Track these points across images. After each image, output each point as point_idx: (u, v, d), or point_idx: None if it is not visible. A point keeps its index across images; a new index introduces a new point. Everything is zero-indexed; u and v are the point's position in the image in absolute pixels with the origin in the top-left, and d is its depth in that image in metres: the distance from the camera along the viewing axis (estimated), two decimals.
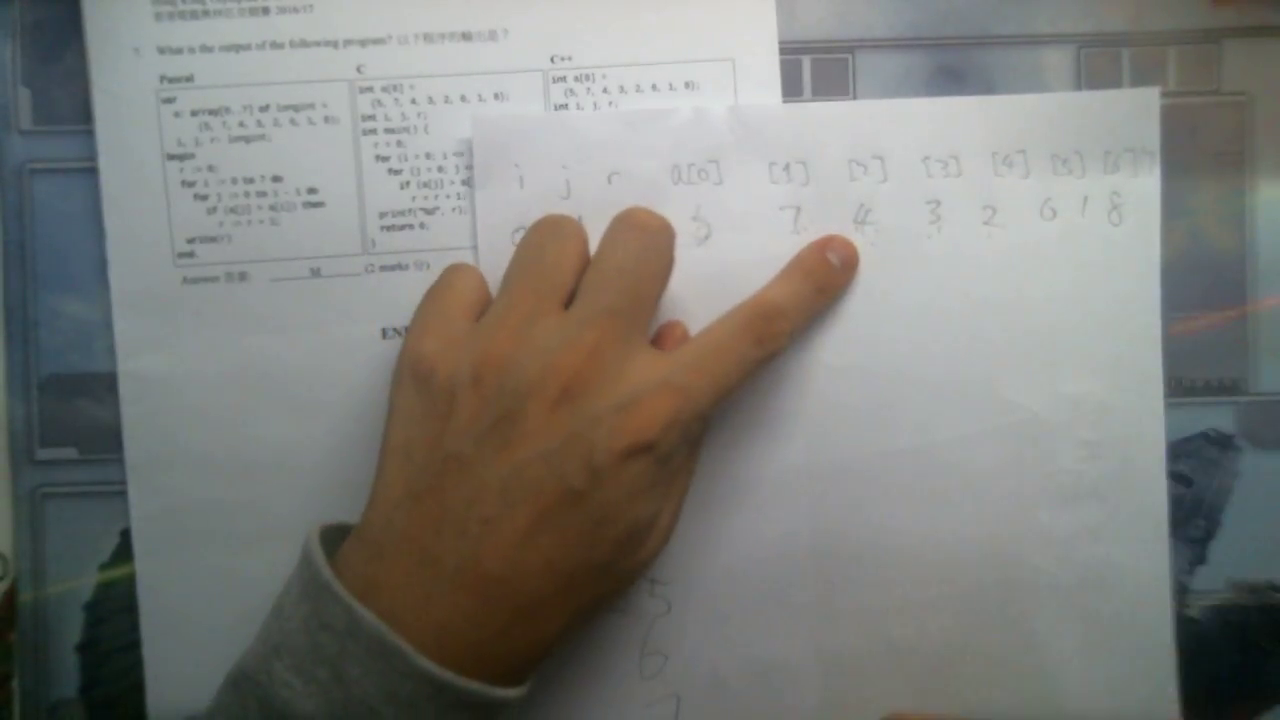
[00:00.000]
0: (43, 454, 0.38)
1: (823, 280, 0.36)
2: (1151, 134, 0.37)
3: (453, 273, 0.35)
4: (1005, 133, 0.37)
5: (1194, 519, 0.38)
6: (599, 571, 0.31)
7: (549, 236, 0.34)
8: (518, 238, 0.37)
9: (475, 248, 0.37)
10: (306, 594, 0.30)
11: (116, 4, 0.37)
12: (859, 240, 0.37)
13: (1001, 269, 0.37)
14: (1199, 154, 0.38)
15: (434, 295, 0.34)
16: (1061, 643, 0.38)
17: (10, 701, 0.37)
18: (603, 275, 0.33)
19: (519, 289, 0.33)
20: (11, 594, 0.38)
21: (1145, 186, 0.37)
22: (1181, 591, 0.38)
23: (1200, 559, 0.38)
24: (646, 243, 0.33)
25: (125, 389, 0.37)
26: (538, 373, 0.31)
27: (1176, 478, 0.38)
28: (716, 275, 0.37)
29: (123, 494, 0.37)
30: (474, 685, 0.29)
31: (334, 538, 0.32)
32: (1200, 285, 0.38)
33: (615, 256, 0.33)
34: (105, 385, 0.38)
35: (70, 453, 0.38)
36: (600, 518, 0.30)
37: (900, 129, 0.37)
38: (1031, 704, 0.38)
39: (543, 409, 0.30)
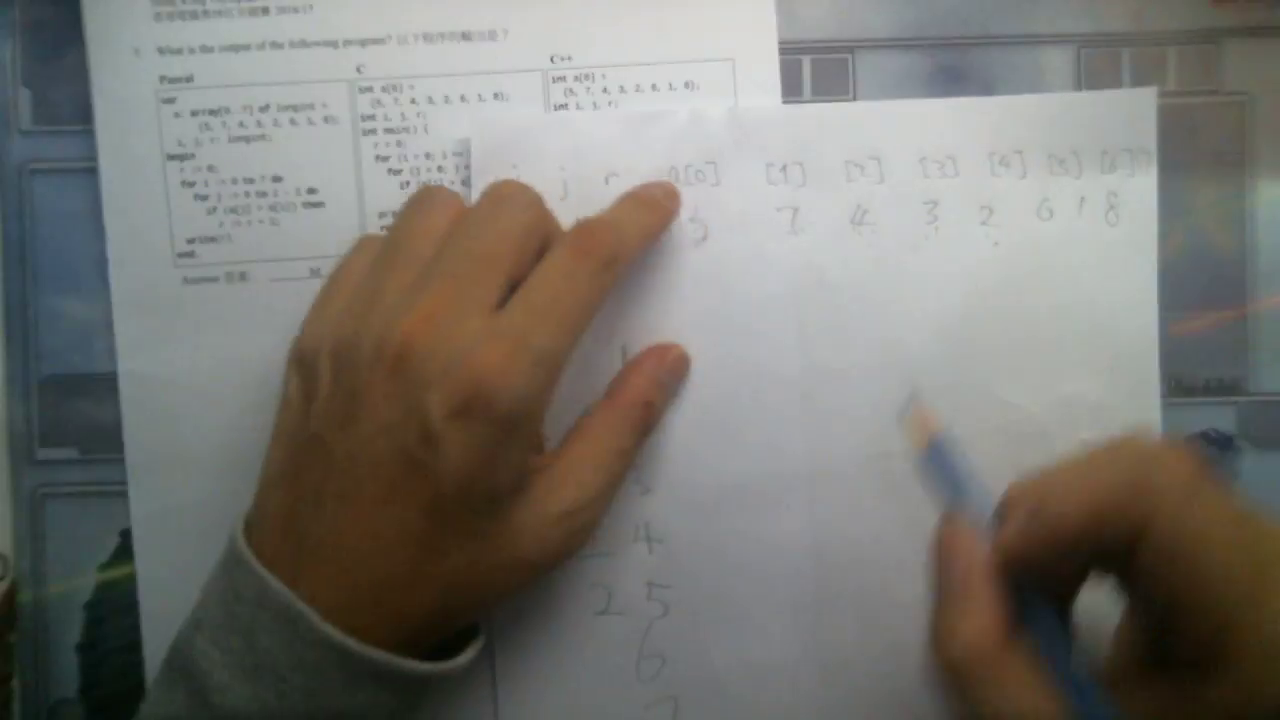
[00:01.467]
0: (43, 454, 0.38)
1: (644, 199, 0.36)
2: (1148, 134, 0.37)
3: (351, 252, 0.35)
4: (1002, 133, 0.37)
5: None
6: (463, 539, 0.30)
7: (414, 209, 0.34)
8: None
9: None
10: (225, 567, 0.31)
11: (116, 4, 0.37)
12: (856, 241, 0.37)
13: (999, 269, 0.37)
14: (1199, 154, 0.38)
15: (327, 278, 0.35)
16: None
17: (10, 701, 0.37)
18: (448, 242, 0.32)
19: (377, 264, 0.33)
20: (11, 594, 0.38)
21: (1142, 186, 0.37)
22: None
23: None
24: (498, 209, 0.32)
25: (125, 389, 0.37)
26: (374, 345, 0.30)
27: None
28: (714, 276, 0.37)
29: (123, 494, 0.37)
30: (378, 654, 0.29)
31: None
32: (1200, 285, 0.38)
33: (464, 224, 0.32)
34: (105, 385, 0.38)
35: (70, 453, 0.38)
36: (448, 484, 0.29)
37: (897, 130, 0.37)
38: None
39: (380, 381, 0.30)
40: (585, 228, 0.33)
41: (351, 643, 0.29)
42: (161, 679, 0.31)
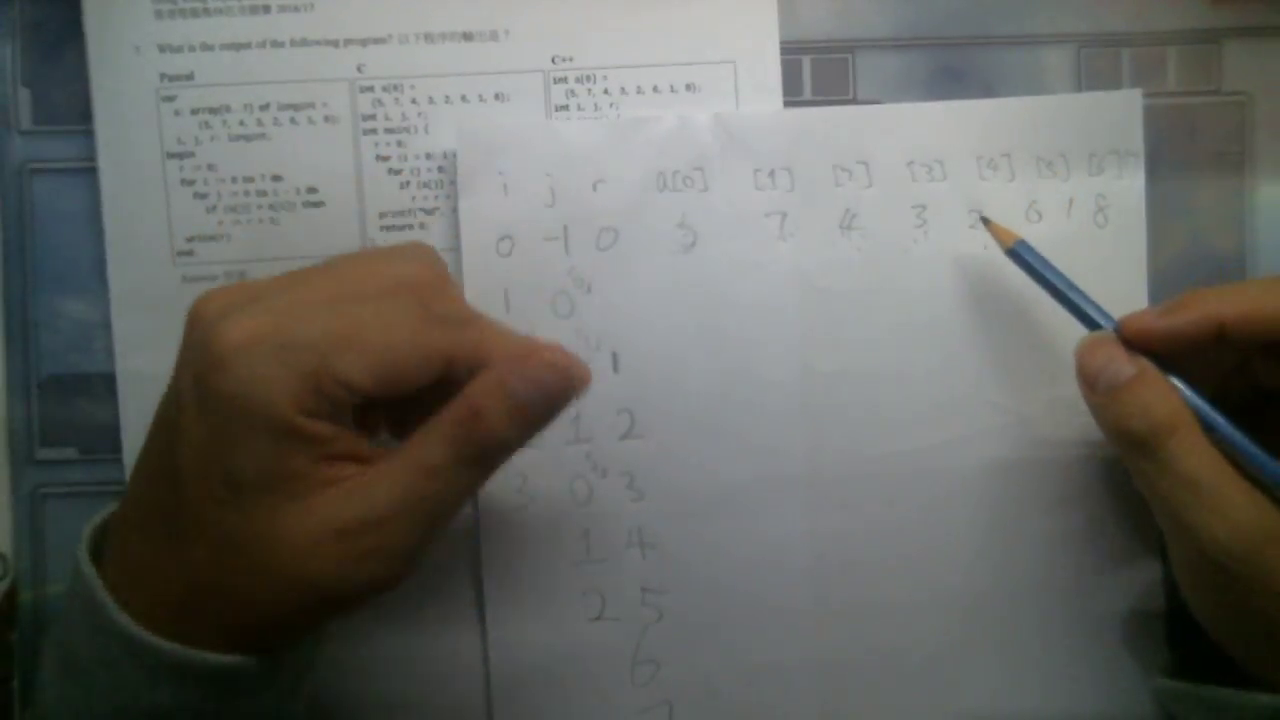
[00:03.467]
0: (43, 454, 0.38)
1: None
2: (1135, 136, 0.37)
3: None
4: (990, 136, 0.37)
5: None
6: (205, 528, 0.28)
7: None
8: (502, 246, 0.37)
9: (460, 255, 0.37)
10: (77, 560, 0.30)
11: (117, 2, 0.37)
12: (845, 246, 0.37)
13: (989, 272, 0.37)
14: (1199, 154, 0.38)
15: None
16: (1055, 645, 0.38)
17: (10, 701, 0.37)
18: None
19: None
20: (11, 594, 0.37)
21: (1130, 188, 0.37)
22: (1178, 591, 0.38)
23: None
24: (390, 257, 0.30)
25: (124, 388, 0.37)
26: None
27: None
28: (703, 282, 0.37)
29: (122, 494, 0.37)
30: (164, 644, 0.27)
31: None
32: (1200, 285, 0.38)
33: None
34: (105, 385, 0.37)
35: (70, 453, 0.38)
36: (186, 458, 0.28)
37: (885, 134, 0.37)
38: (1025, 706, 0.38)
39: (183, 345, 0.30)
40: (445, 283, 0.30)
41: (138, 632, 0.27)
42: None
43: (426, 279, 0.29)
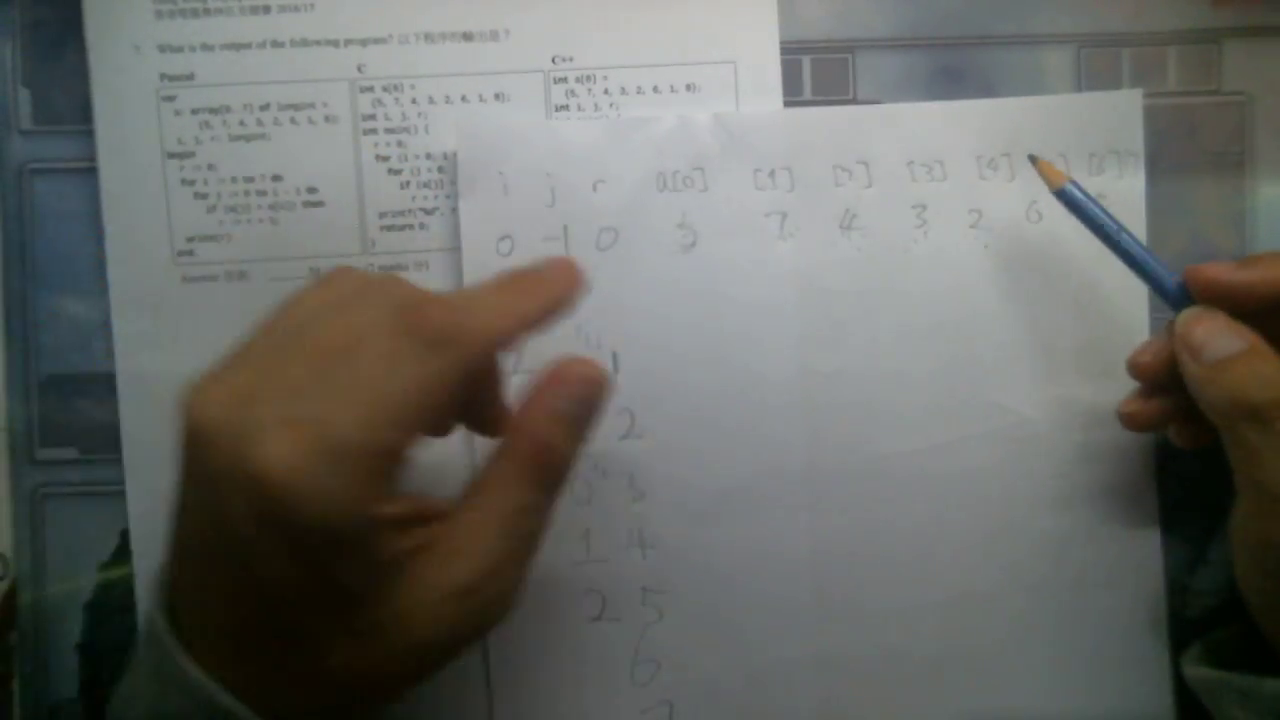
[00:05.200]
0: (43, 454, 0.38)
1: (520, 282, 0.30)
2: (1135, 136, 0.37)
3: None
4: (990, 136, 0.37)
5: (1194, 519, 0.38)
6: (335, 638, 0.27)
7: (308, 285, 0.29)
8: (502, 246, 0.37)
9: (460, 255, 0.37)
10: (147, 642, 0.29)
11: (117, 2, 0.37)
12: (846, 246, 0.37)
13: (989, 272, 0.37)
14: (1199, 154, 0.38)
15: None
16: (1055, 644, 0.38)
17: (10, 701, 0.37)
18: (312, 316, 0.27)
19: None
20: (11, 594, 0.38)
21: (1130, 188, 0.37)
22: (1181, 591, 0.38)
23: (1200, 559, 0.38)
24: (355, 299, 0.28)
25: (124, 388, 0.37)
26: (179, 418, 0.26)
27: (1177, 477, 0.38)
28: (704, 282, 0.37)
29: (123, 494, 0.37)
30: (232, 701, 0.26)
31: None
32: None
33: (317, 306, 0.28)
34: (105, 385, 0.37)
35: (70, 453, 0.38)
36: (286, 595, 0.26)
37: (885, 134, 0.37)
38: (1025, 705, 0.38)
39: (186, 462, 0.26)
40: (413, 302, 0.27)
41: (214, 688, 0.26)
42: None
43: (398, 312, 0.27)
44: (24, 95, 0.38)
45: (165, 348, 0.37)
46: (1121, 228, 0.34)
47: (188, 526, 0.27)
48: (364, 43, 0.37)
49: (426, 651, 0.28)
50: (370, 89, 0.37)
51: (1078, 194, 0.35)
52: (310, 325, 0.27)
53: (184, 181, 0.37)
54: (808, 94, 0.38)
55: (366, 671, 0.27)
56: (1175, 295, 0.33)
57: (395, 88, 0.37)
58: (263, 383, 0.25)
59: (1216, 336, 0.32)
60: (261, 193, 0.37)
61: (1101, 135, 0.37)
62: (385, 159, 0.38)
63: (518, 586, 0.29)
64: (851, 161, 0.37)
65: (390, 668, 0.28)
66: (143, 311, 0.37)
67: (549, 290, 0.29)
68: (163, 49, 0.37)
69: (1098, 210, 0.34)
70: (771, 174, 0.37)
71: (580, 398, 0.30)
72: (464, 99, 0.38)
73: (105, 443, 0.38)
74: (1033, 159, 0.36)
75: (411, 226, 0.38)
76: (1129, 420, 0.35)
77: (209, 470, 0.25)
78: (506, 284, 0.29)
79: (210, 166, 0.37)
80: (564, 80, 0.38)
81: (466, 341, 0.27)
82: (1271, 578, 0.32)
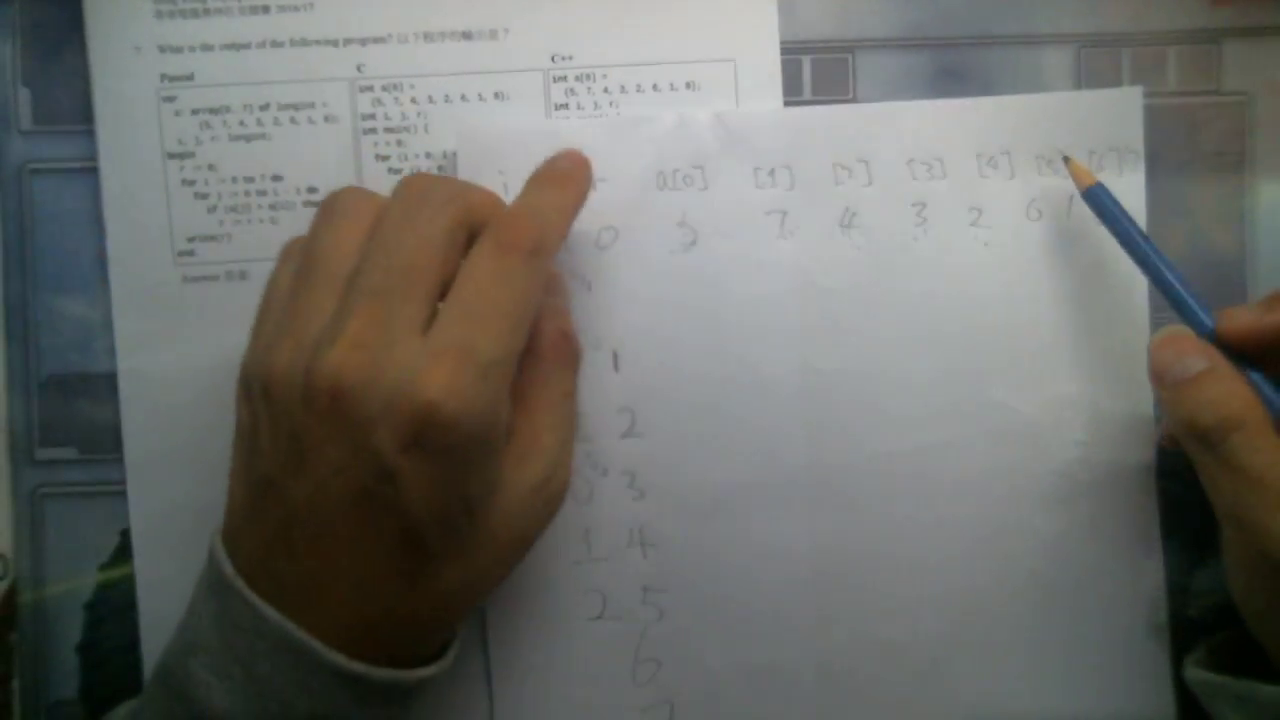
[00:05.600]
0: (43, 454, 0.38)
1: (553, 177, 0.33)
2: (1135, 133, 0.37)
3: (277, 262, 0.33)
4: (990, 134, 0.37)
5: (1194, 519, 0.38)
6: (446, 557, 0.30)
7: (323, 217, 0.31)
8: None
9: None
10: (214, 591, 0.30)
11: (117, 3, 0.37)
12: (846, 244, 0.37)
13: (989, 270, 0.37)
14: (1199, 154, 0.38)
15: (263, 292, 0.32)
16: (1056, 644, 0.38)
17: (10, 701, 0.37)
18: (366, 256, 0.30)
19: (296, 284, 0.30)
20: (11, 594, 0.37)
21: (1130, 186, 0.37)
22: (1181, 592, 0.38)
23: (1199, 560, 0.38)
24: (415, 211, 0.30)
25: (125, 388, 0.37)
26: (302, 380, 0.28)
27: (1177, 477, 0.38)
28: (704, 281, 0.37)
29: (123, 494, 0.37)
30: (388, 673, 0.29)
31: None
32: (1200, 285, 0.38)
33: (381, 234, 0.30)
34: (105, 385, 0.38)
35: (70, 453, 0.38)
36: (420, 513, 0.28)
37: (884, 132, 0.37)
38: (1026, 705, 0.38)
39: (317, 423, 0.28)
40: (504, 220, 0.30)
41: (361, 668, 0.29)
42: (154, 696, 0.31)
43: (487, 216, 0.31)
44: (24, 95, 0.38)
45: (166, 348, 0.37)
46: (1147, 239, 0.34)
47: (303, 489, 0.29)
48: (364, 42, 0.37)
49: (515, 549, 0.32)
50: (370, 89, 0.37)
51: (1106, 199, 0.35)
52: (399, 252, 0.29)
53: (184, 182, 0.37)
54: (808, 94, 0.38)
55: (472, 581, 0.31)
56: (1197, 323, 0.33)
57: (395, 87, 0.37)
58: (384, 329, 0.28)
59: (1178, 359, 0.32)
60: (262, 193, 0.37)
61: (1102, 133, 0.37)
62: (385, 158, 0.38)
63: (570, 473, 0.33)
64: (851, 160, 0.37)
65: (490, 570, 0.31)
66: (143, 311, 0.37)
67: (578, 185, 0.34)
68: (163, 49, 0.37)
69: (1125, 217, 0.35)
70: (771, 172, 0.37)
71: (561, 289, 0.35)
72: (463, 98, 0.38)
73: (105, 443, 0.38)
74: (1066, 159, 0.36)
75: None
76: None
77: (357, 418, 0.27)
78: (545, 184, 0.33)
79: (210, 166, 0.37)
80: (564, 79, 0.38)
81: (549, 249, 0.31)
82: (1256, 588, 0.32)
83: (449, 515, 0.29)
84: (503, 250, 0.29)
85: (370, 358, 0.28)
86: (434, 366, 0.27)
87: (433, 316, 0.29)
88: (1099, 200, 0.35)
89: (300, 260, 0.31)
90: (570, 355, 0.34)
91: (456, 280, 0.29)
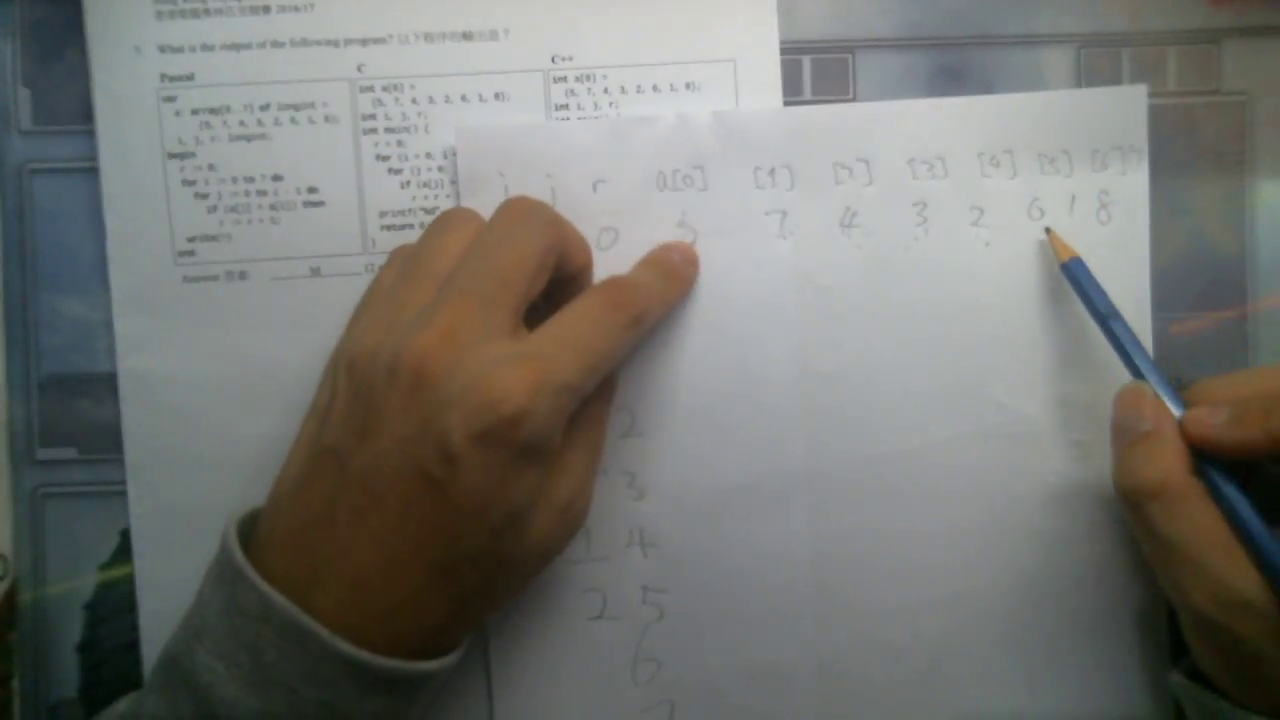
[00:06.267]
0: (43, 454, 0.38)
1: (667, 268, 0.36)
2: (1139, 132, 0.37)
3: (385, 264, 0.36)
4: (991, 133, 0.37)
5: None
6: (476, 559, 0.30)
7: (434, 228, 0.34)
8: None
9: None
10: (222, 578, 0.31)
11: (117, 3, 0.37)
12: (846, 244, 0.37)
13: (990, 270, 0.37)
14: (1199, 154, 0.38)
15: (366, 289, 0.35)
16: (1056, 644, 0.38)
17: (10, 701, 0.37)
18: (466, 261, 0.32)
19: (399, 280, 0.33)
20: (11, 594, 0.38)
21: (1133, 185, 0.37)
22: None
23: None
24: (515, 228, 0.32)
25: (125, 388, 0.37)
26: (390, 359, 0.30)
27: None
28: (704, 280, 0.37)
29: (123, 494, 0.37)
30: (393, 664, 0.30)
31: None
32: (1200, 285, 0.38)
33: (482, 243, 0.32)
34: (105, 385, 0.38)
35: (70, 453, 0.38)
36: (467, 506, 0.29)
37: (885, 131, 0.37)
38: (1026, 705, 0.38)
39: (398, 396, 0.30)
40: (620, 283, 0.34)
41: (366, 656, 0.29)
42: (157, 686, 0.31)
43: (575, 245, 0.35)
44: (24, 95, 0.38)
45: (166, 348, 0.37)
46: (1118, 316, 0.35)
47: (364, 459, 0.30)
48: (364, 42, 0.37)
49: (535, 566, 0.33)
50: (370, 89, 0.37)
51: (1082, 273, 0.35)
52: (497, 260, 0.32)
53: (185, 182, 0.37)
54: (807, 94, 0.38)
55: (491, 591, 0.31)
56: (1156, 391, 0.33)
57: (395, 87, 0.37)
58: (473, 325, 0.30)
59: (1133, 415, 0.33)
60: (262, 193, 0.37)
61: (1105, 131, 0.37)
62: (385, 159, 0.38)
63: (590, 498, 0.34)
64: (852, 159, 0.37)
65: (509, 584, 0.32)
66: (143, 311, 0.37)
67: (684, 283, 0.37)
68: (163, 49, 0.37)
69: (1099, 294, 0.35)
70: (771, 172, 0.37)
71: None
72: (464, 98, 0.38)
73: (105, 443, 0.38)
74: (1049, 231, 0.37)
75: (412, 226, 0.38)
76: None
77: (434, 398, 0.29)
78: (661, 272, 0.36)
79: (211, 166, 0.37)
80: (564, 79, 0.38)
81: (646, 325, 0.34)
82: (1188, 632, 0.33)
83: (491, 516, 0.30)
84: (612, 306, 0.33)
85: (457, 346, 0.30)
86: (516, 368, 0.29)
87: (516, 327, 0.31)
88: (1075, 275, 0.35)
89: (405, 262, 0.33)
90: (608, 388, 0.36)
91: (561, 312, 0.32)
